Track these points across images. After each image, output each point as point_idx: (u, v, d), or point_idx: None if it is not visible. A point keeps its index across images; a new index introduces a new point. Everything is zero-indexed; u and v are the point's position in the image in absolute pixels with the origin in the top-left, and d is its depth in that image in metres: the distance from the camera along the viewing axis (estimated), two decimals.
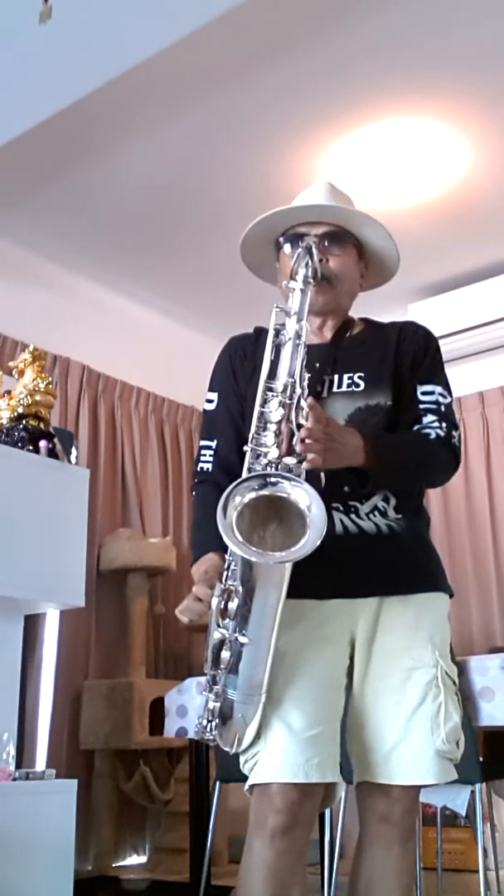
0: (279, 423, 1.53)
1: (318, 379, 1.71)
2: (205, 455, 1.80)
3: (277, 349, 1.60)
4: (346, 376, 1.73)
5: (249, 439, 1.56)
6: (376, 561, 1.63)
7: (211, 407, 1.84)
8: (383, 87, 3.31)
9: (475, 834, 2.99)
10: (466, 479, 4.70)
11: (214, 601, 1.48)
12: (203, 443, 1.82)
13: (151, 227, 4.13)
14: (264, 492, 1.47)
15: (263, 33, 3.02)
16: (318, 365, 1.72)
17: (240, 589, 1.46)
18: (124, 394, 4.64)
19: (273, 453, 1.51)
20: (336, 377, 1.73)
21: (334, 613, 1.63)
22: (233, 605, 1.46)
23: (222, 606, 1.47)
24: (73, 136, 3.47)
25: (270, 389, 1.57)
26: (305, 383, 1.57)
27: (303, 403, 1.54)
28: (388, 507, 1.68)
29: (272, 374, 1.58)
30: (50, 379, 3.08)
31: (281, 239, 1.79)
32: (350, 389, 1.72)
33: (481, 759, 2.52)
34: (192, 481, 1.83)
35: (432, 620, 1.67)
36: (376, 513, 1.67)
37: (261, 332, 1.84)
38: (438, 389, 1.76)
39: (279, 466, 1.50)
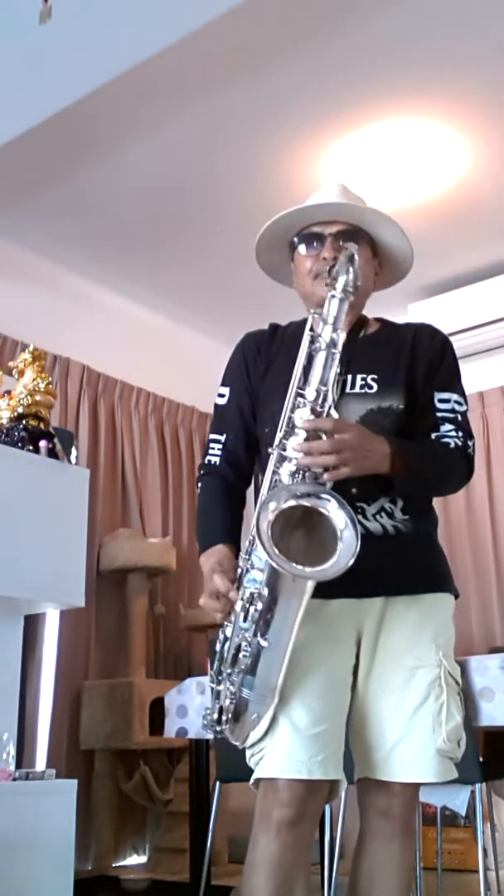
0: (308, 431, 1.53)
1: None
2: (213, 448, 1.81)
3: (311, 356, 1.60)
4: (359, 377, 1.73)
5: (276, 443, 1.57)
6: (382, 561, 1.64)
7: (222, 402, 1.85)
8: (383, 88, 3.31)
9: (475, 834, 2.99)
10: None
11: (239, 604, 1.51)
12: (212, 436, 1.83)
13: (152, 226, 4.13)
14: (305, 502, 1.48)
15: (263, 34, 3.02)
16: None
17: (264, 593, 1.48)
18: (124, 394, 4.64)
19: (301, 460, 1.52)
20: (349, 378, 1.73)
21: (341, 613, 1.64)
22: (256, 608, 1.49)
23: (246, 609, 1.50)
24: (74, 136, 3.47)
25: (301, 395, 1.57)
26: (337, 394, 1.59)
27: (333, 413, 1.56)
28: (396, 509, 1.69)
29: (304, 380, 1.59)
30: (50, 379, 3.08)
31: (296, 239, 1.79)
32: (363, 391, 1.72)
33: (481, 759, 2.53)
34: (198, 473, 1.84)
35: (437, 621, 1.68)
36: (383, 514, 1.67)
37: (276, 329, 1.85)
38: (455, 397, 1.76)
39: (306, 475, 1.52)
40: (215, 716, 1.57)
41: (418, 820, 3.01)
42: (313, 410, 1.55)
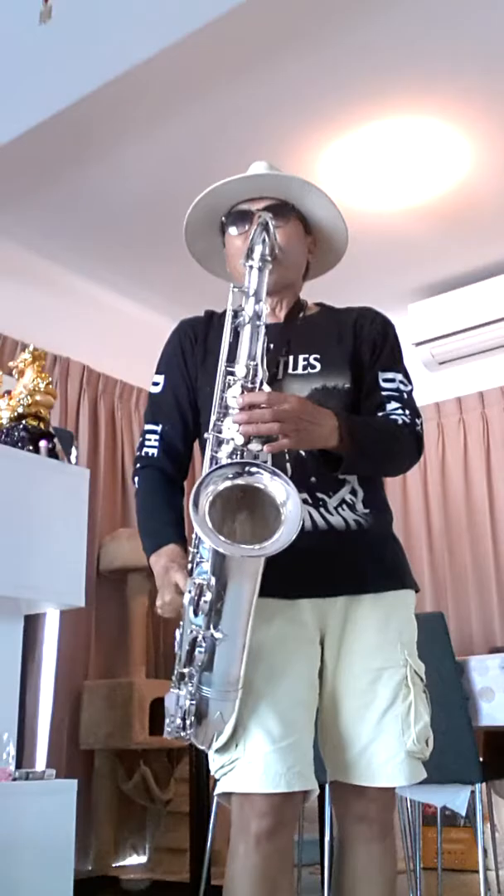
0: (242, 408, 1.45)
1: (272, 360, 1.65)
2: (149, 440, 1.74)
3: (236, 332, 1.53)
4: (301, 357, 1.69)
5: (210, 426, 1.50)
6: (344, 560, 1.61)
7: (157, 390, 1.78)
8: (383, 87, 3.31)
9: (475, 834, 2.99)
10: (466, 479, 4.70)
11: (187, 597, 1.43)
12: (147, 427, 1.76)
13: (152, 226, 4.13)
14: (239, 481, 1.40)
15: (263, 34, 3.02)
16: (272, 346, 1.65)
17: (212, 583, 1.39)
18: (124, 394, 4.64)
19: (238, 440, 1.44)
20: (291, 358, 1.69)
21: (305, 613, 1.60)
22: (206, 599, 1.39)
23: (195, 602, 1.40)
24: (73, 136, 3.47)
25: (231, 373, 1.50)
26: (265, 366, 1.52)
27: (265, 387, 1.48)
28: (357, 501, 1.65)
29: (231, 358, 1.52)
30: (50, 379, 3.08)
31: (224, 219, 1.76)
32: (306, 371, 1.68)
33: (481, 759, 2.53)
34: (135, 466, 1.76)
35: (400, 619, 1.65)
36: (345, 506, 1.63)
37: (212, 316, 1.80)
38: (399, 377, 1.73)
39: (244, 453, 1.44)
40: (178, 721, 1.49)
41: (419, 820, 3.01)
42: (244, 387, 1.47)
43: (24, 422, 2.96)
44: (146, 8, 3.04)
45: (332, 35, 3.05)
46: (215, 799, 2.84)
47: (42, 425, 3.00)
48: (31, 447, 2.90)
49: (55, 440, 3.00)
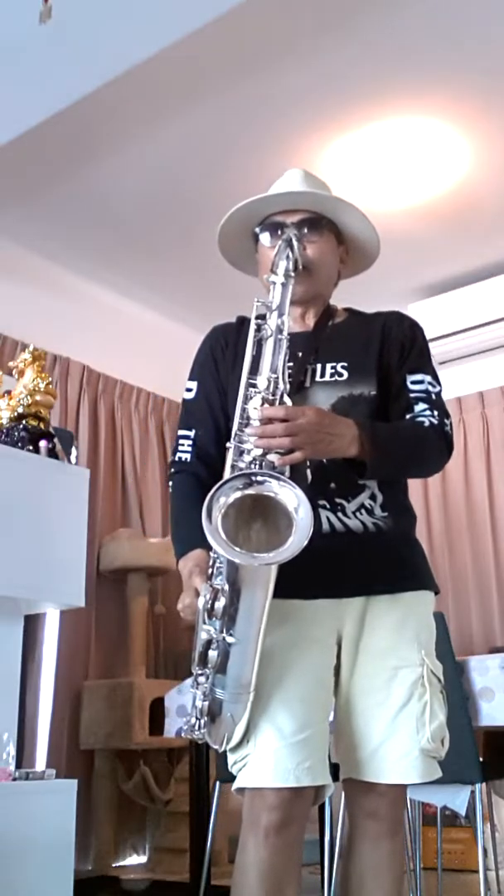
0: (261, 421, 1.50)
1: (300, 368, 1.68)
2: (183, 445, 1.76)
3: (259, 344, 1.57)
4: (328, 365, 1.71)
5: (232, 436, 1.54)
6: (362, 560, 1.62)
7: (190, 396, 1.80)
8: (383, 87, 3.31)
9: (475, 834, 2.99)
10: (466, 479, 4.70)
11: (201, 601, 1.46)
12: (181, 432, 1.78)
13: (152, 227, 4.13)
14: (250, 491, 1.44)
15: (262, 34, 3.02)
16: (300, 354, 1.69)
17: (226, 588, 1.44)
18: (124, 394, 4.64)
19: (257, 450, 1.48)
20: (319, 366, 1.71)
21: (321, 613, 1.62)
22: (220, 604, 1.44)
23: (209, 606, 1.45)
24: (73, 136, 3.47)
25: (253, 385, 1.54)
26: (288, 379, 1.56)
27: (286, 400, 1.53)
28: (375, 505, 1.67)
29: (254, 370, 1.56)
30: (50, 379, 3.08)
31: (257, 229, 1.77)
32: (333, 379, 1.70)
33: (481, 759, 2.53)
34: (169, 471, 1.79)
35: (418, 619, 1.66)
36: (363, 511, 1.65)
37: (243, 321, 1.80)
38: (428, 378, 1.75)
39: (263, 463, 1.48)
40: (192, 720, 1.54)
41: (419, 820, 3.01)
42: (265, 399, 1.52)
43: (24, 422, 2.96)
44: (146, 8, 3.03)
45: (333, 36, 3.05)
46: (215, 799, 2.85)
47: (42, 425, 2.99)
48: (31, 447, 2.90)
49: (55, 440, 3.00)
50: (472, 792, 2.61)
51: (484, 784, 2.73)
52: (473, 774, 2.46)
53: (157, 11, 3.01)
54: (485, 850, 2.79)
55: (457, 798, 2.74)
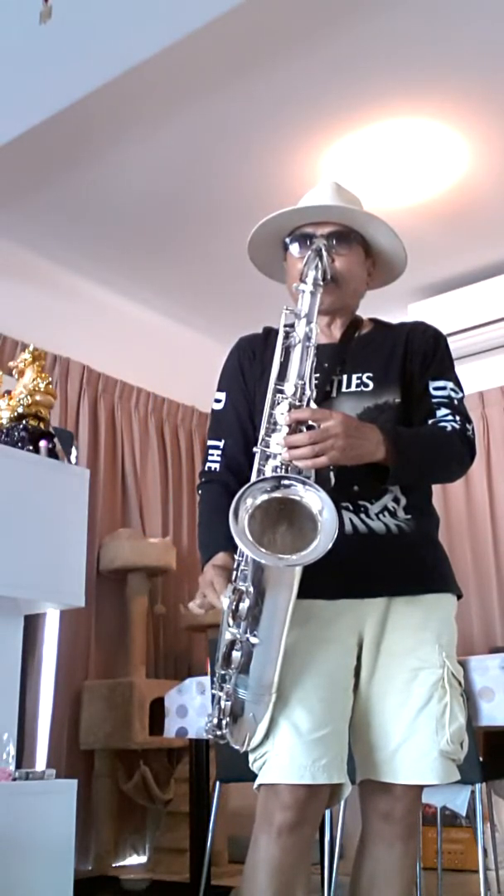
0: (289, 425, 1.53)
1: (326, 379, 1.72)
2: (212, 455, 1.80)
3: (287, 351, 1.61)
4: (354, 376, 1.74)
5: (259, 441, 1.57)
6: (385, 561, 1.64)
7: (219, 406, 1.84)
8: (383, 87, 3.31)
9: (475, 834, 2.99)
10: (466, 479, 4.69)
11: (225, 602, 1.49)
12: (211, 442, 1.82)
13: (151, 226, 4.13)
14: (276, 494, 1.47)
15: (262, 34, 3.02)
16: (326, 365, 1.72)
17: (251, 590, 1.47)
18: (124, 394, 4.64)
19: (284, 455, 1.51)
20: (345, 377, 1.74)
21: (342, 613, 1.63)
22: (244, 605, 1.47)
23: (234, 607, 1.48)
24: (73, 136, 3.47)
25: (280, 391, 1.58)
26: (315, 385, 1.59)
27: (312, 406, 1.56)
28: (398, 508, 1.69)
29: (282, 376, 1.59)
30: (50, 379, 3.08)
31: (287, 239, 1.80)
32: (359, 389, 1.73)
33: (481, 759, 2.53)
34: (199, 480, 1.83)
35: (439, 621, 1.67)
36: (386, 513, 1.67)
37: (269, 332, 1.84)
38: (450, 385, 1.77)
39: (290, 468, 1.51)
40: (215, 720, 1.56)
41: (420, 818, 3.01)
42: (291, 405, 1.55)
43: (24, 422, 2.96)
44: (146, 8, 3.04)
45: (332, 37, 3.05)
46: (215, 799, 2.85)
47: (42, 425, 2.99)
48: (31, 447, 2.90)
49: (55, 440, 3.00)
50: (472, 792, 2.61)
51: (484, 784, 2.73)
52: (473, 774, 2.46)
53: (157, 11, 3.01)
54: (485, 850, 2.79)
55: (457, 798, 2.75)
